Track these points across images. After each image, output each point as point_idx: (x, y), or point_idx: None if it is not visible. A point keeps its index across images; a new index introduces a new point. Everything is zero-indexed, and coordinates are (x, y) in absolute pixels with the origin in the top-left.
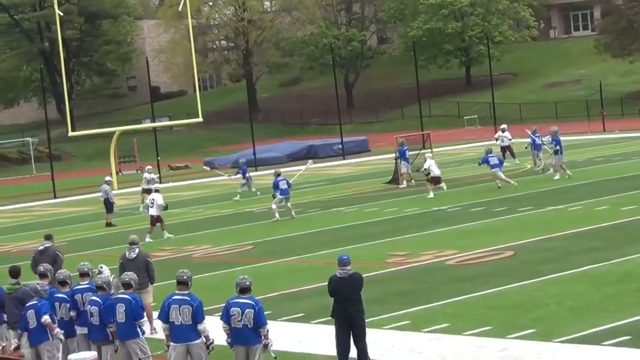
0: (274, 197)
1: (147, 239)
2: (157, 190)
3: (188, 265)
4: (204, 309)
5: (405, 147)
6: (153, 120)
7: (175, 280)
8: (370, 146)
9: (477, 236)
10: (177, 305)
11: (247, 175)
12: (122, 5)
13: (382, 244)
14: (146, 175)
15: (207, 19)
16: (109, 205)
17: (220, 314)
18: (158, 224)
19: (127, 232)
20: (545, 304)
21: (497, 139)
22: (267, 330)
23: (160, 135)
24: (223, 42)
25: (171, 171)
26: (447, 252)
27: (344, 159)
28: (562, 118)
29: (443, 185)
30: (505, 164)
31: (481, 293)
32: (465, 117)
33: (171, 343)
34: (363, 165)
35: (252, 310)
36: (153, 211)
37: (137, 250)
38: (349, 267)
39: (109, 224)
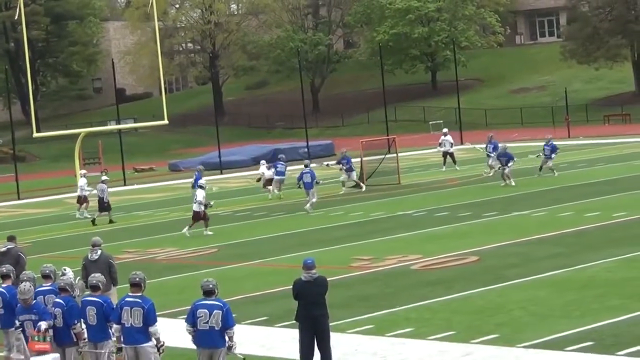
0: (299, 187)
1: (186, 232)
2: (200, 187)
3: (153, 267)
4: (168, 311)
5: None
6: (118, 122)
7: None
8: (336, 150)
9: (441, 241)
10: (129, 307)
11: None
12: (88, 7)
13: (347, 248)
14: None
15: (173, 22)
16: (102, 204)
17: (186, 316)
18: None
19: (91, 234)
20: (508, 309)
21: (440, 144)
22: (234, 333)
23: (126, 137)
24: (189, 44)
25: (136, 173)
26: (411, 256)
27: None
28: (527, 124)
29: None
30: (442, 169)
31: (445, 298)
32: (430, 122)
33: (122, 345)
34: (328, 169)
35: (220, 312)
36: (195, 207)
37: (99, 252)
38: (314, 271)
39: (111, 221)
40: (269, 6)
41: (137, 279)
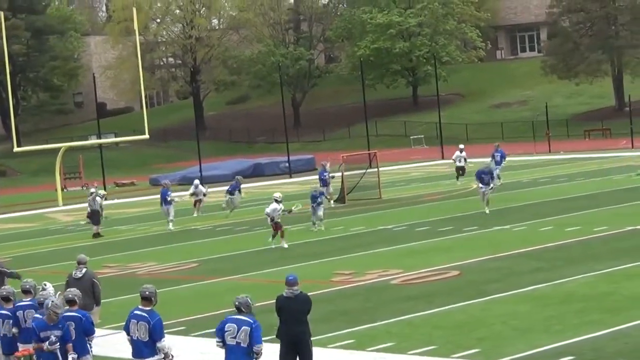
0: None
1: (284, 245)
2: (277, 201)
3: (133, 282)
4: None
5: (326, 172)
6: (99, 137)
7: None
8: (317, 165)
9: (422, 255)
10: (136, 321)
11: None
12: (69, 21)
13: (328, 263)
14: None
15: (154, 36)
16: (96, 216)
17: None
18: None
19: (72, 249)
20: (489, 323)
21: (454, 160)
22: (261, 350)
23: (106, 151)
24: (170, 59)
25: (117, 188)
26: (392, 271)
27: (290, 177)
28: (508, 139)
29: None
30: (457, 182)
31: (426, 312)
32: (411, 137)
33: (131, 357)
34: (310, 184)
35: (248, 328)
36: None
37: (83, 270)
38: (296, 287)
39: (96, 235)
40: (250, 21)
41: (147, 293)
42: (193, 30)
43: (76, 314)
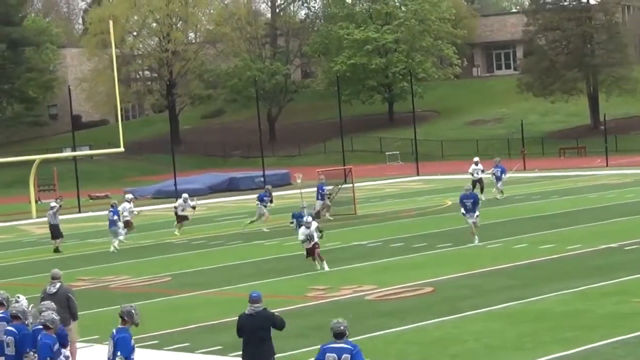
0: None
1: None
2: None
3: (107, 295)
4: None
5: (324, 186)
6: (74, 149)
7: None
8: (292, 180)
9: (396, 272)
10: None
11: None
12: (45, 33)
13: (302, 278)
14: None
15: (131, 49)
16: (56, 230)
17: None
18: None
19: (45, 261)
20: (463, 340)
21: (471, 174)
22: None
23: (81, 164)
24: (146, 72)
25: (91, 201)
26: (366, 287)
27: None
28: (483, 156)
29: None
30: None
31: (400, 328)
32: (387, 153)
33: None
34: (285, 199)
35: (349, 355)
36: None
37: (57, 285)
38: (258, 305)
39: (56, 250)
40: (226, 35)
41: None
42: (169, 44)
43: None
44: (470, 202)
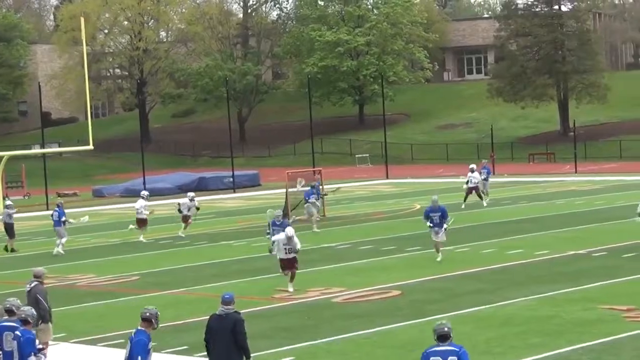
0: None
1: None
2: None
3: (73, 293)
4: (88, 337)
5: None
6: (43, 146)
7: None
8: (262, 180)
9: (365, 274)
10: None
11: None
12: (16, 29)
13: (269, 279)
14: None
15: (102, 47)
16: (10, 230)
17: None
18: None
19: (13, 258)
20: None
21: (467, 182)
22: None
23: (50, 161)
24: (117, 70)
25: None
26: (334, 289)
27: (234, 192)
28: (452, 160)
29: None
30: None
31: (367, 331)
32: (357, 155)
33: None
34: (254, 199)
35: (456, 358)
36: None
37: (33, 284)
38: (229, 307)
39: (11, 249)
40: (198, 34)
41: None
42: (141, 42)
43: (15, 324)
44: (437, 216)
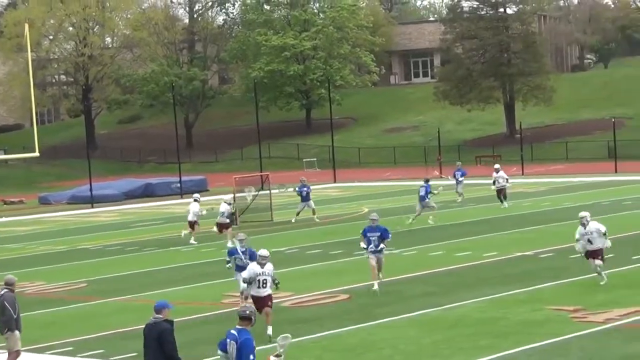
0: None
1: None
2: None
3: (22, 301)
4: (36, 346)
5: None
6: None
7: None
8: (209, 186)
9: (313, 278)
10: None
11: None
12: None
13: (218, 284)
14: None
15: (47, 53)
16: None
17: None
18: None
19: None
20: (379, 347)
21: (494, 182)
22: None
23: None
24: (62, 76)
25: (5, 206)
26: (283, 293)
27: (182, 197)
28: (400, 163)
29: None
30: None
31: (316, 335)
32: (304, 160)
33: None
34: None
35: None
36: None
37: (2, 292)
38: (159, 315)
39: None
40: (143, 40)
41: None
42: (86, 48)
43: None
44: (376, 237)
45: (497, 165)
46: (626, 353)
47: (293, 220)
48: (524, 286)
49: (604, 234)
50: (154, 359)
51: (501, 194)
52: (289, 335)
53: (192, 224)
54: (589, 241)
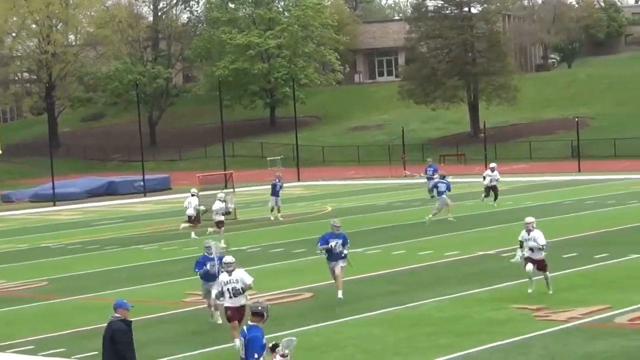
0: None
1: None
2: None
3: None
4: None
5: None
6: None
7: None
8: (173, 184)
9: (275, 277)
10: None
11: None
12: None
13: (180, 283)
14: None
15: (9, 50)
16: None
17: None
18: None
19: None
20: (342, 346)
21: (484, 178)
22: None
23: None
24: (25, 74)
25: None
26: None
27: (145, 196)
28: (364, 162)
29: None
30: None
31: (279, 334)
32: (268, 158)
33: None
34: (164, 203)
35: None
36: None
37: None
38: (116, 314)
39: None
40: (107, 38)
41: (260, 308)
42: (49, 46)
43: None
44: (339, 242)
45: (492, 165)
46: (588, 352)
47: (272, 218)
48: (486, 285)
49: (541, 249)
50: (109, 358)
51: (491, 190)
52: (293, 338)
53: (191, 218)
54: (530, 249)
